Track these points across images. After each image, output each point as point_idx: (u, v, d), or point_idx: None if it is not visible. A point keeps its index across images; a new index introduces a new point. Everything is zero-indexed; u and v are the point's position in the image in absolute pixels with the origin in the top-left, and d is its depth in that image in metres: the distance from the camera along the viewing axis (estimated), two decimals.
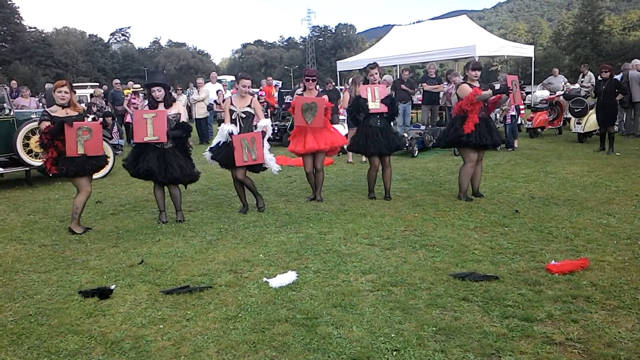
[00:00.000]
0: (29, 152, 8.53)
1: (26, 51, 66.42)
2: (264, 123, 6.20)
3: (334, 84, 12.51)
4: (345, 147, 7.67)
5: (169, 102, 5.77)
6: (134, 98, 14.40)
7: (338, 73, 20.40)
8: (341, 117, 11.05)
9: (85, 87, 27.61)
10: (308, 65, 74.51)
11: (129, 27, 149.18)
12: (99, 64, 78.03)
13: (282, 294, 3.74)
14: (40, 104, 15.14)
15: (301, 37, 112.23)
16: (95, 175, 6.14)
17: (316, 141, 6.41)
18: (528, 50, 18.74)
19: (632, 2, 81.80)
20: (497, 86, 6.61)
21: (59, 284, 4.13)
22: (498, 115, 11.07)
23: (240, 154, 5.93)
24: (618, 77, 11.85)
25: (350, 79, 9.17)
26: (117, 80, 16.08)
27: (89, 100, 16.72)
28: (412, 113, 14.01)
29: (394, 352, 2.88)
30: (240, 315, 3.42)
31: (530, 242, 4.71)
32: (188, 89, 20.41)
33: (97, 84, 34.27)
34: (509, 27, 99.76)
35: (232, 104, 6.16)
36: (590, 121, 11.01)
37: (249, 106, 6.10)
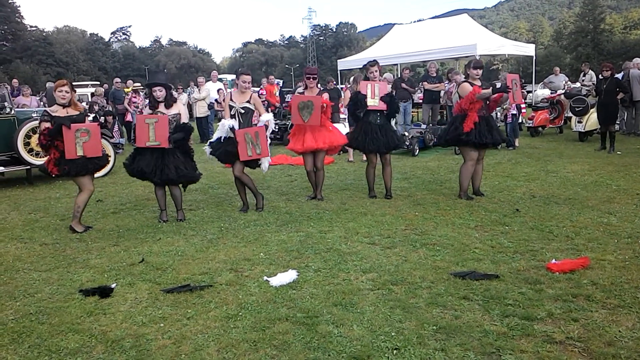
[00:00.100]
0: (30, 151, 8.54)
1: (27, 50, 66.45)
2: (267, 117, 6.22)
3: (335, 82, 12.50)
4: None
5: (169, 102, 5.78)
6: (135, 97, 14.40)
7: (339, 72, 20.38)
8: (342, 115, 11.05)
9: (86, 86, 27.62)
10: (309, 64, 74.46)
11: (129, 26, 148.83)
12: (99, 63, 78.07)
13: (283, 292, 3.74)
14: (42, 103, 15.14)
15: (302, 35, 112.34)
16: (96, 174, 6.14)
17: (315, 140, 6.41)
18: (529, 49, 18.71)
19: (633, 0, 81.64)
20: (498, 85, 6.60)
21: (60, 283, 4.13)
22: (499, 114, 11.06)
23: (244, 149, 5.93)
24: (619, 75, 11.84)
25: (352, 78, 9.17)
26: (118, 79, 16.07)
27: (89, 100, 16.70)
28: (412, 112, 14.01)
29: (395, 351, 2.88)
30: (240, 313, 3.43)
31: (531, 241, 4.71)
32: (189, 88, 20.40)
33: (98, 82, 34.28)
34: (510, 26, 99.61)
35: (231, 99, 6.18)
36: (591, 120, 10.99)
37: (248, 102, 6.11)
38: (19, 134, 8.42)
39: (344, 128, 10.04)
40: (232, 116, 6.11)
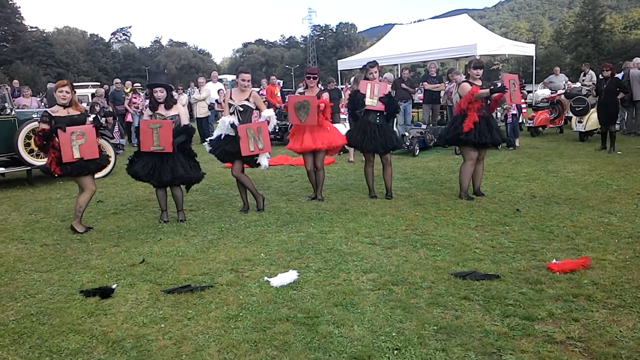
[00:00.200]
0: (30, 151, 8.54)
1: (27, 51, 66.50)
2: (268, 113, 6.23)
3: (335, 83, 12.51)
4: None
5: (169, 103, 5.79)
6: (135, 97, 14.40)
7: (339, 72, 20.39)
8: (342, 116, 11.06)
9: (86, 86, 27.60)
10: (309, 65, 74.44)
11: (130, 27, 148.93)
12: (100, 64, 78.11)
13: (283, 293, 3.74)
14: (42, 104, 15.15)
15: (302, 36, 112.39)
16: (96, 175, 6.15)
17: (313, 140, 6.42)
18: (529, 49, 18.72)
19: (634, 0, 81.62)
20: (499, 85, 6.60)
21: (61, 284, 4.13)
22: (499, 114, 11.07)
23: (246, 144, 5.94)
24: (619, 75, 11.84)
25: (353, 78, 9.17)
26: (118, 80, 16.07)
27: (90, 100, 16.71)
28: (413, 112, 14.01)
29: (395, 351, 2.88)
30: (241, 314, 3.43)
31: (532, 241, 4.71)
32: (189, 89, 20.42)
33: (98, 83, 34.27)
34: (510, 26, 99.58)
35: (231, 97, 6.21)
36: (592, 120, 10.99)
37: (247, 100, 6.12)
38: (19, 134, 8.43)
39: (344, 128, 10.03)
40: (231, 114, 6.13)
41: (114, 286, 3.98)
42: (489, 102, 6.28)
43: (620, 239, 4.66)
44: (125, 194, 7.74)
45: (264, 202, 6.37)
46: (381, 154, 6.55)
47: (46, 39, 71.12)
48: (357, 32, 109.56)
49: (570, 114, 12.25)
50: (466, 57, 15.35)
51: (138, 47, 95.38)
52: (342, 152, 9.97)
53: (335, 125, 7.78)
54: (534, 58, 19.01)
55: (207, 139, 6.45)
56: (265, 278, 4.02)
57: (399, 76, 13.43)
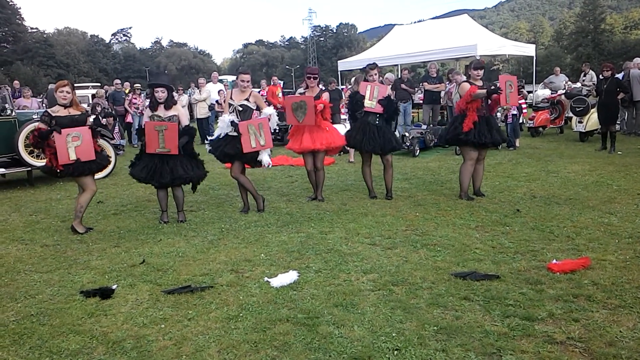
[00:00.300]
0: (31, 152, 8.54)
1: (28, 52, 66.55)
2: (269, 111, 6.25)
3: (336, 84, 12.52)
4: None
5: (169, 104, 5.79)
6: (135, 98, 14.40)
7: (339, 73, 20.40)
8: (343, 116, 11.06)
9: (86, 87, 27.62)
10: (309, 65, 74.50)
11: (130, 28, 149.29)
12: (100, 65, 78.15)
13: (284, 293, 3.74)
14: (43, 105, 15.15)
15: (302, 36, 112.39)
16: (96, 176, 6.15)
17: (312, 140, 6.42)
18: (529, 49, 18.72)
19: (634, 0, 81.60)
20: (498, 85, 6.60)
21: (61, 284, 4.14)
22: (499, 114, 11.06)
23: (248, 140, 5.94)
24: (619, 75, 11.84)
25: (353, 79, 9.18)
26: (118, 80, 16.09)
27: (90, 101, 16.72)
28: (413, 112, 14.01)
29: (395, 352, 2.88)
30: (241, 314, 3.43)
31: (532, 241, 4.71)
32: (189, 89, 20.45)
33: (99, 84, 34.30)
34: (510, 26, 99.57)
35: (231, 97, 6.23)
36: (592, 120, 10.99)
37: (247, 100, 6.13)
38: (19, 135, 8.44)
39: (344, 129, 10.04)
40: (231, 114, 6.14)
41: (114, 287, 3.98)
42: (489, 102, 6.29)
43: (620, 239, 4.66)
44: (126, 195, 7.75)
45: (264, 203, 6.37)
46: (380, 155, 6.55)
47: (46, 39, 71.16)
48: (357, 32, 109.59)
49: (571, 114, 12.25)
50: (466, 57, 15.36)
51: (138, 48, 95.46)
52: (342, 153, 9.96)
53: (335, 125, 7.78)
54: (534, 58, 19.01)
55: (208, 138, 6.47)
56: (266, 278, 4.02)
57: (399, 77, 13.44)
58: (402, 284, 3.83)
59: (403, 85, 12.29)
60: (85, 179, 5.63)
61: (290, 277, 4.00)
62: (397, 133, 8.38)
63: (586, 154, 9.60)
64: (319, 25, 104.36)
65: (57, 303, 3.76)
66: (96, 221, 6.18)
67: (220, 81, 16.52)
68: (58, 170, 5.55)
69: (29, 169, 8.74)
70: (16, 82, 17.08)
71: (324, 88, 8.78)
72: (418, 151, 10.50)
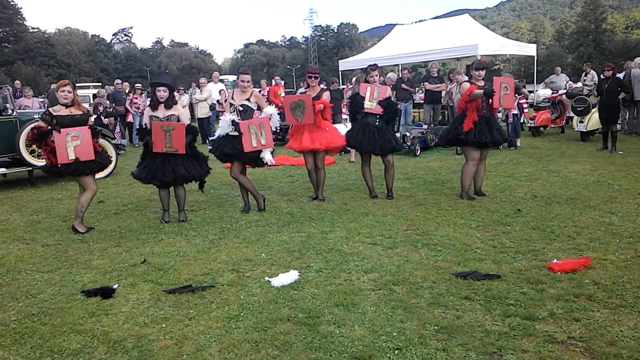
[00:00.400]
0: (32, 152, 8.56)
1: (29, 52, 66.65)
2: (270, 110, 6.25)
3: (338, 84, 12.52)
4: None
5: (169, 103, 5.80)
6: (136, 97, 14.41)
7: (340, 72, 20.40)
8: (344, 116, 11.07)
9: (87, 87, 27.64)
10: (310, 65, 74.48)
11: (131, 27, 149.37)
12: (101, 64, 78.28)
13: (284, 293, 3.74)
14: (44, 105, 15.16)
15: (303, 36, 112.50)
16: (97, 175, 6.16)
17: (312, 140, 6.42)
18: (530, 49, 18.70)
19: (635, 0, 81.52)
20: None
21: (62, 284, 4.14)
22: (500, 114, 11.05)
23: (249, 140, 5.94)
24: (621, 75, 11.82)
25: (354, 79, 9.18)
26: (119, 80, 16.10)
27: (91, 101, 16.74)
28: (414, 112, 14.00)
29: (396, 351, 2.88)
30: (242, 314, 3.43)
31: (533, 240, 4.70)
32: (190, 89, 20.49)
33: (100, 84, 34.34)
34: (511, 26, 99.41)
35: (232, 97, 6.25)
36: (593, 120, 10.98)
37: (248, 100, 6.13)
38: (20, 135, 8.45)
39: (345, 129, 10.04)
40: (232, 114, 6.15)
41: (115, 286, 3.99)
42: (490, 102, 6.28)
43: (621, 238, 4.65)
44: (127, 194, 7.75)
45: (264, 203, 6.37)
46: (381, 156, 6.55)
47: (48, 39, 71.27)
48: (358, 32, 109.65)
49: (572, 114, 12.23)
50: (467, 57, 15.37)
51: (139, 48, 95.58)
52: (343, 153, 9.96)
53: (336, 125, 7.77)
54: (536, 58, 19.01)
55: (209, 139, 6.50)
56: (266, 278, 4.03)
57: (399, 76, 13.44)
58: (402, 283, 3.83)
59: (404, 85, 12.28)
60: (86, 178, 5.63)
61: (291, 276, 4.00)
62: (399, 134, 8.37)
63: (587, 154, 9.59)
64: (320, 25, 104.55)
65: (58, 302, 3.77)
66: (97, 221, 6.19)
67: (222, 81, 16.56)
68: (59, 166, 5.54)
69: (30, 168, 8.75)
70: (17, 82, 17.11)
71: (325, 87, 8.77)
72: (419, 151, 10.50)
